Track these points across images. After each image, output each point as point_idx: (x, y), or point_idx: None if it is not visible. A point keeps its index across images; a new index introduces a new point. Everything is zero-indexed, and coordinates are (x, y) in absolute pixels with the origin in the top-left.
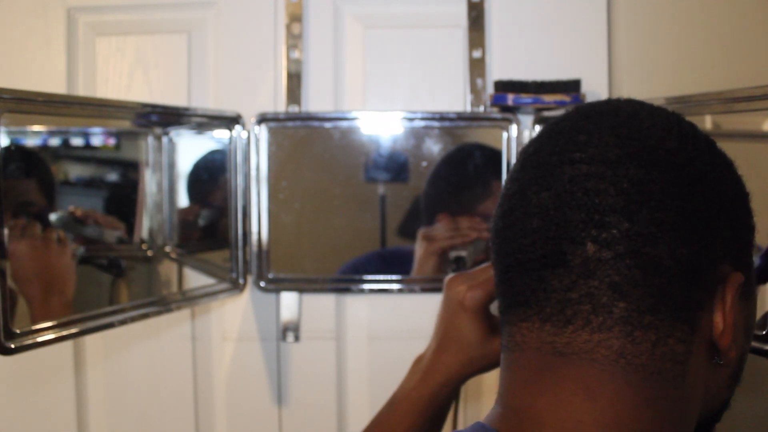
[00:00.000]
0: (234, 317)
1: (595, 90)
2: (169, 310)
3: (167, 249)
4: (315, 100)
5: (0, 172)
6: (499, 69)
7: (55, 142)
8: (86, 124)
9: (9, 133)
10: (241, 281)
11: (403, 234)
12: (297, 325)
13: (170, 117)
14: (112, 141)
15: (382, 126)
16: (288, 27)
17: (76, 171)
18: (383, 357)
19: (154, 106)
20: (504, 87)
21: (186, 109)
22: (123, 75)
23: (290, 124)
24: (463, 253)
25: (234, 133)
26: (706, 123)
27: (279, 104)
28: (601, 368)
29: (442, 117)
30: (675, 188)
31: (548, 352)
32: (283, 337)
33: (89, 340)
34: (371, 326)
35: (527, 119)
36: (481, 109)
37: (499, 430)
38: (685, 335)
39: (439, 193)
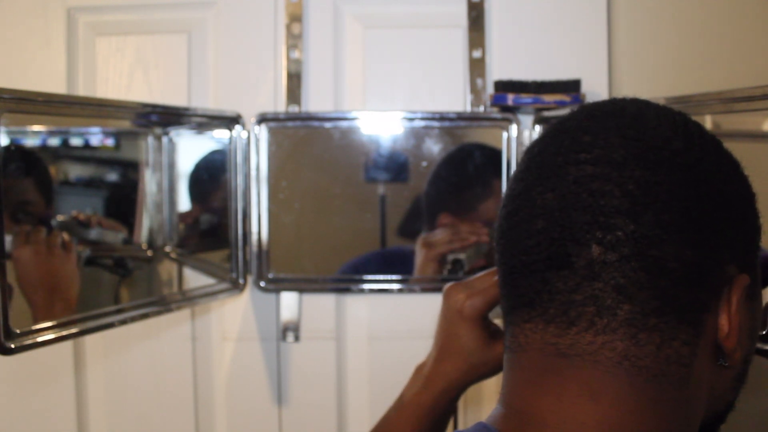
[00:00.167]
0: (234, 317)
1: (595, 90)
2: (169, 310)
3: (167, 249)
4: (315, 100)
5: (0, 171)
6: (499, 69)
7: (54, 142)
8: (86, 124)
9: (9, 133)
10: (241, 281)
11: (403, 234)
12: (297, 325)
13: (170, 117)
14: (109, 141)
15: (382, 126)
16: (288, 27)
17: (75, 171)
18: (383, 357)
19: (154, 106)
20: (504, 87)
21: (186, 109)
22: (123, 75)
23: (290, 124)
24: (461, 256)
25: (234, 133)
26: (706, 123)
27: (279, 104)
28: (604, 370)
29: (442, 117)
30: (681, 190)
31: (551, 354)
32: (283, 337)
33: (89, 340)
34: (371, 326)
35: (527, 119)
36: (481, 109)
37: (501, 431)
38: (690, 337)
39: (440, 193)
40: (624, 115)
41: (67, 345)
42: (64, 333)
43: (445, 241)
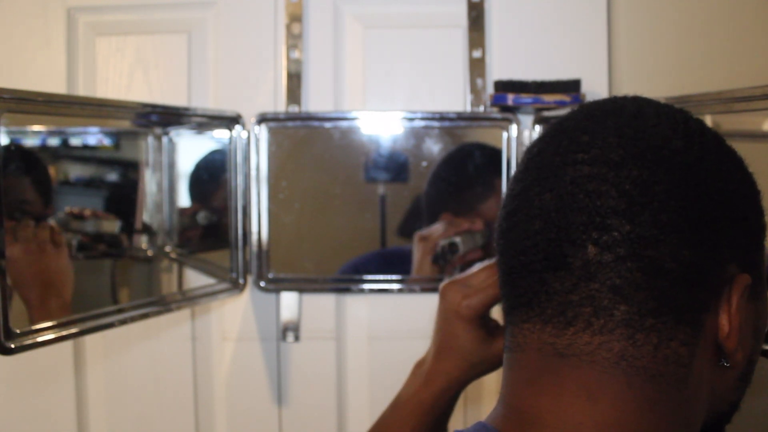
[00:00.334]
0: (234, 317)
1: (595, 90)
2: (169, 310)
3: (167, 249)
4: (315, 100)
5: (0, 171)
6: (499, 69)
7: (54, 142)
8: (86, 124)
9: (9, 133)
10: (241, 281)
11: (403, 234)
12: (297, 325)
13: (170, 117)
14: (107, 141)
15: (382, 126)
16: (288, 27)
17: (75, 171)
18: (383, 357)
19: (154, 106)
20: (504, 87)
21: (186, 109)
22: (123, 75)
23: (290, 124)
24: (456, 239)
25: (234, 133)
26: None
27: (279, 104)
28: (601, 370)
29: (442, 117)
30: (679, 189)
31: (549, 354)
32: (283, 337)
33: (89, 340)
34: (371, 326)
35: (527, 119)
36: (481, 109)
37: (501, 430)
38: (689, 338)
39: (440, 193)
40: (623, 114)
41: (67, 345)
42: (64, 333)
43: (440, 233)
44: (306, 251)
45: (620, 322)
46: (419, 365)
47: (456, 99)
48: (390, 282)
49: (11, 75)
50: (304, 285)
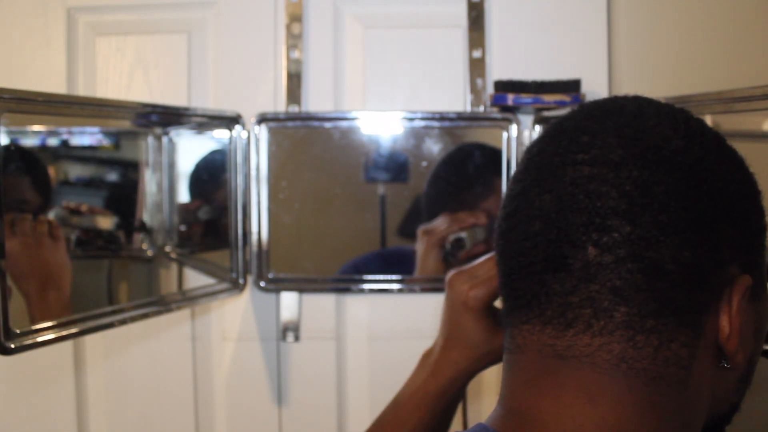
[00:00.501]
0: (234, 317)
1: (595, 90)
2: (169, 310)
3: (167, 249)
4: (315, 100)
5: (0, 171)
6: (499, 69)
7: (54, 142)
8: (86, 124)
9: (9, 133)
10: (241, 281)
11: (403, 234)
12: (297, 325)
13: (170, 117)
14: (107, 141)
15: (382, 126)
16: (288, 27)
17: (76, 171)
18: (383, 357)
19: (154, 106)
20: (504, 87)
21: (186, 109)
22: (123, 75)
23: (290, 124)
24: (463, 234)
25: (234, 133)
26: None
27: (279, 104)
28: (601, 372)
29: (442, 117)
30: (680, 190)
31: (549, 355)
32: (283, 337)
33: (89, 340)
34: (371, 326)
35: (527, 119)
36: (481, 109)
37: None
38: (690, 339)
39: (440, 193)
40: (623, 114)
41: (67, 345)
42: (64, 333)
43: (444, 227)
44: (306, 251)
45: (620, 323)
46: (427, 356)
47: (456, 99)
48: (390, 282)
49: (11, 75)
50: (304, 285)
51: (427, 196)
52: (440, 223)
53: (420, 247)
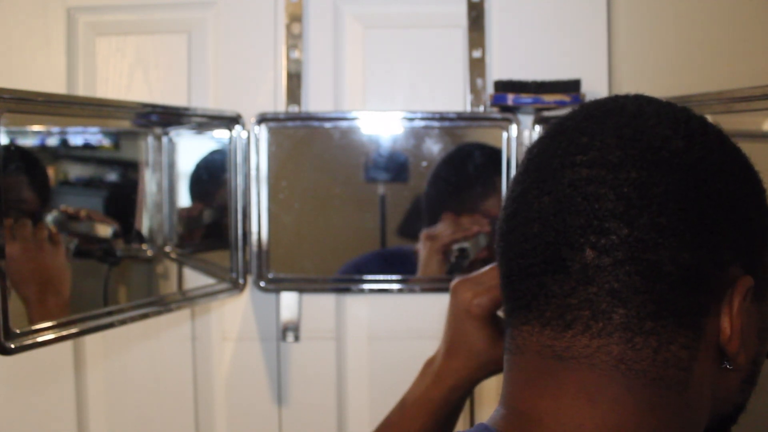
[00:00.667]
0: (234, 317)
1: (595, 90)
2: (169, 310)
3: (167, 249)
4: (315, 100)
5: (0, 172)
6: (499, 69)
7: (54, 142)
8: (86, 124)
9: (9, 133)
10: (241, 281)
11: (403, 234)
12: (297, 325)
13: (170, 117)
14: (107, 141)
15: (382, 126)
16: (288, 27)
17: (75, 171)
18: (383, 357)
19: (154, 106)
20: (504, 87)
21: (186, 109)
22: (123, 75)
23: (290, 124)
24: (466, 245)
25: (234, 133)
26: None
27: (279, 104)
28: (601, 373)
29: (442, 117)
30: (678, 191)
31: (548, 356)
32: (283, 337)
33: (89, 340)
34: (371, 326)
35: (527, 119)
36: (481, 109)
37: None
38: (689, 341)
39: (440, 193)
40: (623, 114)
41: (67, 345)
42: (64, 333)
43: (448, 233)
44: (306, 251)
45: (619, 325)
46: (429, 363)
47: (456, 99)
48: (390, 282)
49: (11, 75)
50: (304, 285)
51: (427, 196)
52: (443, 228)
53: (423, 251)
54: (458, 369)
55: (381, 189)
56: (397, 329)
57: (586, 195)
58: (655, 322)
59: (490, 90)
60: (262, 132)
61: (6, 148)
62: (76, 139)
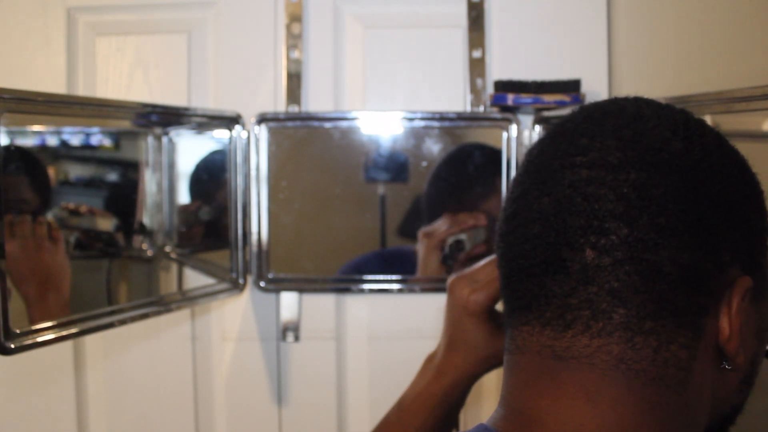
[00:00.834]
0: (234, 317)
1: (595, 90)
2: (169, 310)
3: (167, 249)
4: (315, 100)
5: (0, 171)
6: (499, 69)
7: (54, 142)
8: (86, 124)
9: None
10: (241, 281)
11: (403, 234)
12: (297, 325)
13: (170, 117)
14: (107, 141)
15: (382, 126)
16: (288, 27)
17: (75, 171)
18: (383, 357)
19: (154, 106)
20: (504, 87)
21: (186, 109)
22: (123, 75)
23: (290, 124)
24: (462, 237)
25: (234, 133)
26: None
27: (279, 104)
28: (601, 373)
29: (442, 117)
30: (678, 192)
31: (548, 356)
32: (283, 337)
33: (89, 340)
34: (371, 326)
35: (527, 119)
36: (481, 109)
37: None
38: (689, 341)
39: (440, 193)
40: (622, 116)
41: (67, 345)
42: (64, 333)
43: (444, 229)
44: (306, 251)
45: (619, 325)
46: (430, 359)
47: (456, 99)
48: (390, 282)
49: (11, 75)
50: (304, 285)
51: (427, 196)
52: (440, 225)
53: (421, 249)
54: (458, 364)
55: (381, 189)
56: (397, 329)
57: (586, 195)
58: (655, 322)
59: (490, 90)
60: (262, 132)
61: (6, 148)
62: (76, 139)
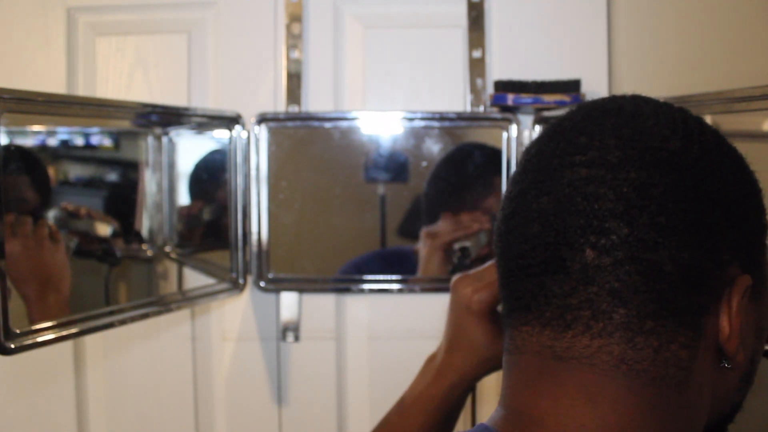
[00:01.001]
0: (234, 317)
1: (595, 90)
2: (169, 310)
3: (167, 249)
4: (315, 100)
5: (0, 171)
6: (499, 69)
7: (54, 142)
8: (86, 124)
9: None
10: (241, 281)
11: (403, 234)
12: (297, 325)
13: (170, 117)
14: (107, 141)
15: (382, 126)
16: (288, 27)
17: (75, 171)
18: (383, 357)
19: (154, 106)
20: (504, 87)
21: (186, 109)
22: (123, 75)
23: (290, 124)
24: (467, 244)
25: (234, 133)
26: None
27: (279, 104)
28: (601, 374)
29: (442, 117)
30: (678, 191)
31: (548, 357)
32: (283, 337)
33: (89, 340)
34: (371, 326)
35: (527, 119)
36: (481, 109)
37: None
38: (689, 340)
39: (439, 193)
40: (621, 114)
41: (67, 345)
42: (64, 333)
43: (449, 230)
44: (306, 251)
45: (619, 325)
46: (431, 360)
47: (456, 99)
48: (390, 282)
49: (11, 75)
50: (304, 285)
51: (427, 196)
52: (444, 226)
53: (423, 249)
54: (459, 365)
55: (381, 189)
56: (397, 329)
57: (585, 195)
58: (655, 322)
59: (490, 90)
60: (262, 132)
61: (6, 148)
62: (76, 139)
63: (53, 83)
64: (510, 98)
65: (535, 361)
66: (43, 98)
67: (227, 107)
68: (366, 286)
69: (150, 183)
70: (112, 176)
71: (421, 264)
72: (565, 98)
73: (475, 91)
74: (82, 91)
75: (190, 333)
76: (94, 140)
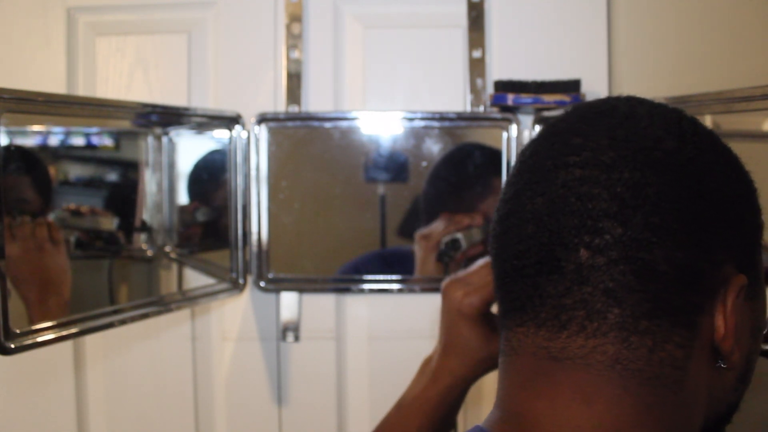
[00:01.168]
0: (234, 317)
1: (595, 90)
2: (169, 310)
3: (167, 249)
4: (315, 100)
5: (0, 171)
6: (499, 69)
7: (54, 142)
8: (86, 124)
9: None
10: (241, 281)
11: (403, 234)
12: (297, 325)
13: (170, 117)
14: (107, 141)
15: (382, 126)
16: (288, 27)
17: (76, 171)
18: (383, 357)
19: (154, 106)
20: (504, 87)
21: (186, 109)
22: (123, 75)
23: (290, 124)
24: (458, 235)
25: (234, 133)
26: (706, 123)
27: (279, 104)
28: (596, 374)
29: (442, 117)
30: (671, 191)
31: (543, 357)
32: (283, 337)
33: (89, 340)
34: (371, 326)
35: (527, 119)
36: (481, 109)
37: None
38: (684, 340)
39: (439, 193)
40: (615, 115)
41: (67, 345)
42: (64, 333)
43: (441, 231)
44: (306, 251)
45: (614, 325)
46: (427, 362)
47: (456, 99)
48: (390, 282)
49: (11, 75)
50: (304, 285)
51: (426, 196)
52: (437, 226)
53: (418, 252)
54: (454, 368)
55: (381, 189)
56: (397, 329)
57: (579, 195)
58: (650, 321)
59: (490, 90)
60: (262, 132)
61: (6, 148)
62: (76, 139)
63: (53, 83)
64: (510, 98)
65: (530, 362)
66: (43, 98)
67: (227, 107)
68: (366, 286)
69: (150, 183)
70: (113, 176)
71: (417, 266)
72: (565, 98)
73: (475, 91)
74: (82, 91)
75: (190, 333)
76: (95, 140)
